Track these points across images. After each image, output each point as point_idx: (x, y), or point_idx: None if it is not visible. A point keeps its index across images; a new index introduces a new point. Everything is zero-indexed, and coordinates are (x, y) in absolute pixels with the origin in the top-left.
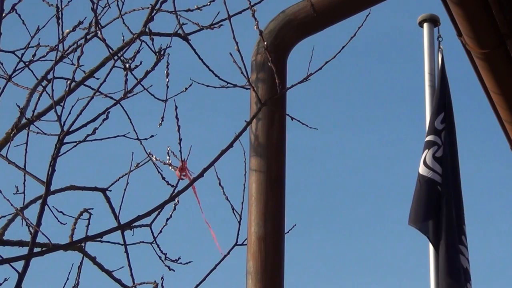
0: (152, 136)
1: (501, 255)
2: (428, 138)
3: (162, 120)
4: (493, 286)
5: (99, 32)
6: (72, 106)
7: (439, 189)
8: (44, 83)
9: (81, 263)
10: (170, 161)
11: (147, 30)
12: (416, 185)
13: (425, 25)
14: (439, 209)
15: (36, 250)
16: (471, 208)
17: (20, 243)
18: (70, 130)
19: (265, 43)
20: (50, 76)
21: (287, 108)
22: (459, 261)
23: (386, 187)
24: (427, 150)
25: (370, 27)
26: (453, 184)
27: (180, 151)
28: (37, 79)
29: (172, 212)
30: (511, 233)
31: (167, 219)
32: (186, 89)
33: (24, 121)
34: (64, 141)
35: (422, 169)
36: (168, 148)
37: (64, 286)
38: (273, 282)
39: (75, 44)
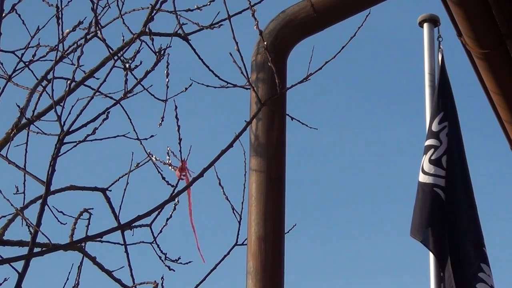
0: (152, 136)
1: (501, 254)
2: (426, 143)
3: (162, 120)
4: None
5: (99, 32)
6: (72, 106)
7: (440, 193)
8: (44, 83)
9: (81, 263)
10: (170, 161)
11: (147, 30)
12: (417, 195)
13: (425, 25)
14: (441, 214)
15: (36, 250)
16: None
17: (20, 243)
18: (70, 130)
19: (265, 43)
20: (50, 76)
21: (287, 108)
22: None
23: (385, 187)
24: (424, 155)
25: (370, 27)
26: (462, 181)
27: (180, 151)
28: (37, 79)
29: (172, 212)
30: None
31: (167, 219)
32: (186, 89)
33: (24, 121)
34: (64, 141)
35: (420, 177)
36: (168, 148)
37: (64, 286)
38: (273, 282)
39: (75, 44)
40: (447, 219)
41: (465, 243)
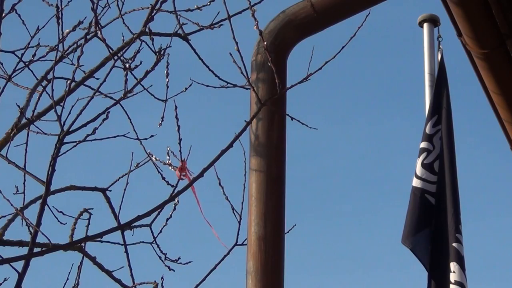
0: (152, 136)
1: (500, 251)
2: (420, 145)
3: (162, 120)
4: (489, 281)
5: (99, 32)
6: (72, 106)
7: (430, 199)
8: (44, 83)
9: (81, 263)
10: (170, 161)
11: (147, 30)
12: (409, 200)
13: (425, 25)
14: (433, 218)
15: (36, 250)
16: (471, 209)
17: (20, 243)
18: (70, 130)
19: (265, 43)
20: (50, 76)
21: (287, 108)
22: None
23: (384, 186)
24: (418, 158)
25: (370, 27)
26: (450, 184)
27: (180, 151)
28: (37, 79)
29: (172, 212)
30: None
31: (167, 219)
32: (186, 89)
33: (24, 121)
34: (64, 141)
35: (414, 181)
36: (168, 148)
37: (64, 286)
38: (273, 282)
39: (75, 44)
40: (435, 225)
41: (443, 247)
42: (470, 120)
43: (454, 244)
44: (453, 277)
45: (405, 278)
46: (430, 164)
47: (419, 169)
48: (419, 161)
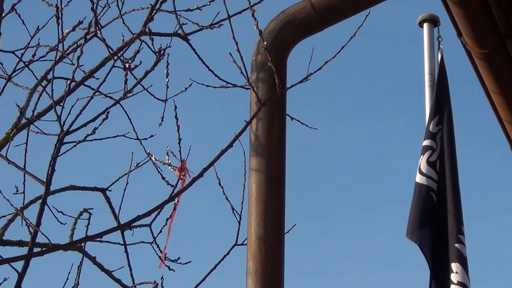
0: (152, 136)
1: (500, 249)
2: (424, 143)
3: (162, 120)
4: (489, 280)
5: (99, 32)
6: (72, 106)
7: (434, 197)
8: (44, 83)
9: (81, 263)
10: (169, 161)
11: (147, 30)
12: (413, 195)
13: (425, 25)
14: (434, 216)
15: (36, 250)
16: (470, 209)
17: (20, 243)
18: (70, 130)
19: (265, 43)
20: (50, 76)
21: (287, 108)
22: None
23: (384, 185)
24: (422, 156)
25: (370, 27)
26: (451, 184)
27: (180, 151)
28: (37, 79)
29: (172, 212)
30: None
31: (167, 219)
32: (186, 89)
33: (24, 121)
34: (64, 141)
35: (418, 177)
36: (168, 148)
37: (64, 286)
38: (273, 282)
39: (75, 44)
40: (436, 225)
41: (443, 248)
42: (470, 120)
43: (456, 245)
44: (455, 277)
45: (405, 278)
46: (434, 162)
47: (424, 166)
48: (423, 158)
